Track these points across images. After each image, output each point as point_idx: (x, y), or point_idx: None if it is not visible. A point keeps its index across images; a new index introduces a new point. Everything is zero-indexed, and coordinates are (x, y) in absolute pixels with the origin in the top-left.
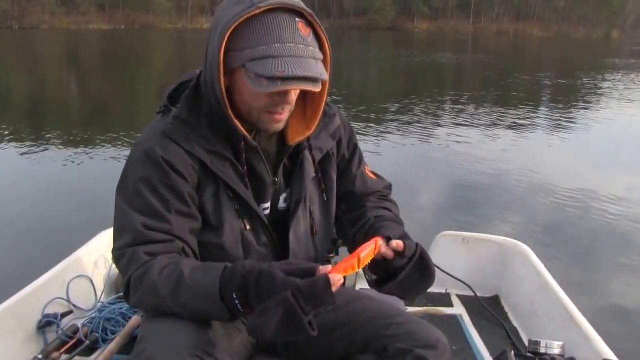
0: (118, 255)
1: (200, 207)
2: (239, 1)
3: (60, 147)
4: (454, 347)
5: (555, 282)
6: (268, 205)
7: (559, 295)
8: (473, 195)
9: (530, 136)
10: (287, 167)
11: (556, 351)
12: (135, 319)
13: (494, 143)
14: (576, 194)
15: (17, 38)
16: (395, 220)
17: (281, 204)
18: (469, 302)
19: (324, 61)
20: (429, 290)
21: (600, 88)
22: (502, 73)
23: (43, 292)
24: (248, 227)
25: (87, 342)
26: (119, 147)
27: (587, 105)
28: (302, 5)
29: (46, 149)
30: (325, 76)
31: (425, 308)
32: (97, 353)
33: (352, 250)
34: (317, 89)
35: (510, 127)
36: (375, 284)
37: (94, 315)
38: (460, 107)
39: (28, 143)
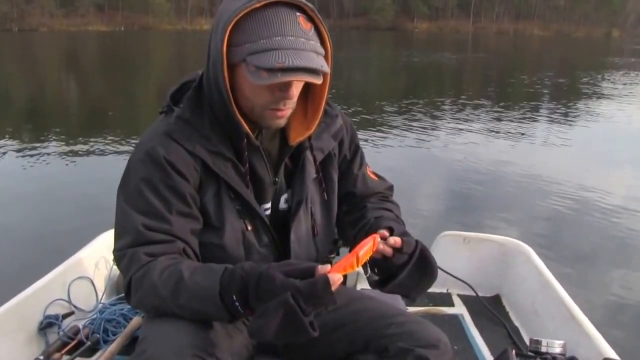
0: (119, 255)
1: (202, 208)
2: None
3: (60, 149)
4: (455, 347)
5: (556, 281)
6: (269, 205)
7: (560, 294)
8: (473, 195)
9: (531, 136)
10: (288, 167)
11: (557, 350)
12: (136, 320)
13: (494, 143)
14: (577, 193)
15: (16, 40)
16: (396, 221)
17: (282, 205)
18: (470, 302)
19: (325, 57)
20: (430, 290)
21: (601, 87)
22: (502, 73)
23: (44, 293)
24: (249, 228)
25: (88, 343)
26: (119, 148)
27: (587, 104)
28: None
29: (46, 151)
30: (327, 68)
31: (426, 308)
32: (98, 354)
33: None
34: (318, 81)
35: (510, 127)
36: (377, 284)
37: (95, 316)
38: (461, 107)
39: (28, 145)
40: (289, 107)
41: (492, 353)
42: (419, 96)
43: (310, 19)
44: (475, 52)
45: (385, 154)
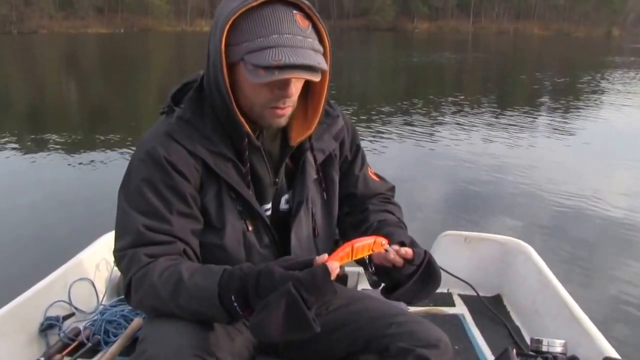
0: (119, 256)
1: (203, 208)
2: None
3: (60, 151)
4: (456, 347)
5: (557, 281)
6: (269, 206)
7: (561, 293)
8: (474, 194)
9: (531, 135)
10: (289, 168)
11: (558, 349)
12: (137, 321)
13: (495, 142)
14: (578, 192)
15: (16, 43)
16: (399, 225)
17: (283, 205)
18: (471, 302)
19: (324, 55)
20: None
21: (601, 86)
22: (502, 72)
23: (45, 294)
24: (250, 228)
25: (89, 344)
26: (119, 150)
27: (588, 104)
28: None
29: (47, 153)
30: (325, 65)
31: (427, 308)
32: (99, 355)
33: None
34: (316, 78)
35: (511, 126)
36: (383, 292)
37: (95, 317)
38: (461, 106)
39: (29, 148)
40: (289, 105)
41: (493, 353)
42: (419, 96)
43: (308, 16)
44: (475, 52)
45: (386, 155)
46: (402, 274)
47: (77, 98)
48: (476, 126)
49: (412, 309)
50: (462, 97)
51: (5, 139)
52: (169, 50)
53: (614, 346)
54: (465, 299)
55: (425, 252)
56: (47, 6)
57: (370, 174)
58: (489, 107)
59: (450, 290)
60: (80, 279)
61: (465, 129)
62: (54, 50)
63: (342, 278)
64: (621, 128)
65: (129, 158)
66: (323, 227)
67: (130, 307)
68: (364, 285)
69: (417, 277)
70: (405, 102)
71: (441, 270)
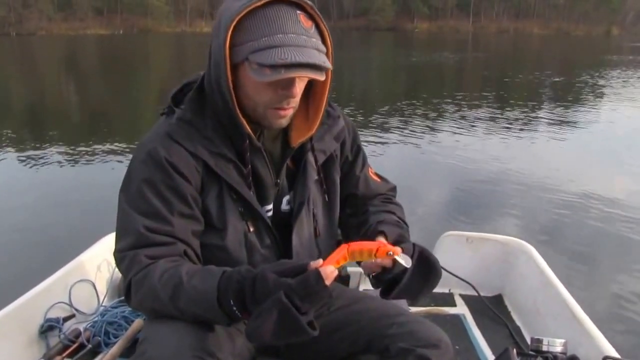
0: (119, 257)
1: (204, 209)
2: None
3: (60, 152)
4: (457, 347)
5: (558, 281)
6: (270, 207)
7: (561, 293)
8: (476, 195)
9: (532, 135)
10: (290, 169)
11: (558, 349)
12: (138, 323)
13: (495, 142)
14: (579, 192)
15: (14, 44)
16: (397, 224)
17: (284, 206)
18: (472, 302)
19: (326, 55)
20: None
21: (601, 85)
22: (502, 72)
23: (45, 296)
24: (251, 229)
25: (90, 345)
26: (120, 151)
27: (588, 103)
28: None
29: (47, 155)
30: (329, 65)
31: (428, 308)
32: (99, 357)
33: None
34: (321, 77)
35: (511, 126)
36: (382, 294)
37: (96, 319)
38: (461, 106)
39: (29, 150)
40: (292, 106)
41: (494, 352)
42: (419, 96)
43: (311, 16)
44: (475, 52)
45: (386, 155)
46: (394, 273)
47: (77, 100)
48: (476, 126)
49: (413, 309)
50: (463, 97)
51: (5, 141)
52: (168, 51)
53: (614, 346)
54: (467, 299)
55: (415, 245)
56: (46, 7)
57: (371, 174)
58: (489, 107)
59: (451, 291)
60: (81, 281)
61: (465, 128)
62: (52, 51)
63: (344, 278)
64: (622, 127)
65: (129, 158)
66: (324, 227)
67: (131, 309)
68: (366, 285)
69: (411, 272)
70: (405, 102)
71: (443, 271)
